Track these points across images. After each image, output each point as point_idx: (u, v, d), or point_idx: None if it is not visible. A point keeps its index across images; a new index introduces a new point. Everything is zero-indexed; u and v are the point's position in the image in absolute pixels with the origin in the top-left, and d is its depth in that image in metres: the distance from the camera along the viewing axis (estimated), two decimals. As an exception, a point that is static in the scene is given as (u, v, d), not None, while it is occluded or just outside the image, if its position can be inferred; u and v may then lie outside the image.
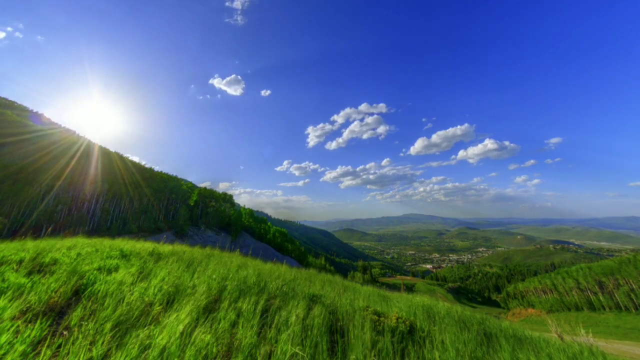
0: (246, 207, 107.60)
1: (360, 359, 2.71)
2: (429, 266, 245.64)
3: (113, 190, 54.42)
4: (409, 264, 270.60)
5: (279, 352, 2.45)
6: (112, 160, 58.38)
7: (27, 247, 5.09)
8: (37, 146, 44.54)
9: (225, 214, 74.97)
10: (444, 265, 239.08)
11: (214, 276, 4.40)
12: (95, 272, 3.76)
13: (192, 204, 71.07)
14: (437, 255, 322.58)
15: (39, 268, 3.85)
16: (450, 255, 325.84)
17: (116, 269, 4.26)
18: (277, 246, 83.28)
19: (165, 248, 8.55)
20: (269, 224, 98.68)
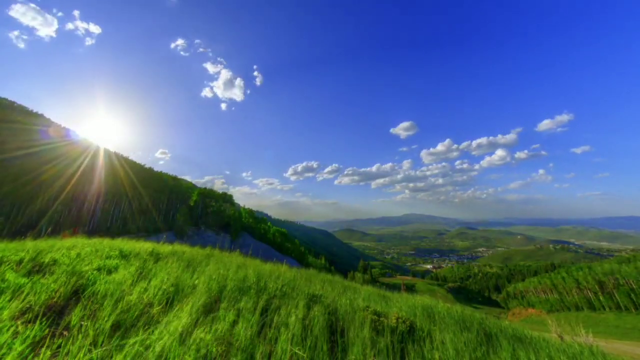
0: (246, 207, 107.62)
1: (360, 358, 2.70)
2: (429, 266, 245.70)
3: (113, 191, 54.42)
4: (409, 264, 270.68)
5: (278, 351, 2.45)
6: (112, 161, 58.39)
7: (26, 247, 5.08)
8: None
9: (225, 214, 74.99)
10: (444, 265, 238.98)
11: (213, 276, 4.39)
12: (94, 272, 3.75)
13: (192, 204, 71.09)
14: (437, 255, 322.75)
15: (38, 268, 3.84)
16: (450, 255, 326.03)
17: (116, 269, 4.25)
18: (277, 246, 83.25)
19: (165, 248, 8.53)
20: (268, 224, 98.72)
